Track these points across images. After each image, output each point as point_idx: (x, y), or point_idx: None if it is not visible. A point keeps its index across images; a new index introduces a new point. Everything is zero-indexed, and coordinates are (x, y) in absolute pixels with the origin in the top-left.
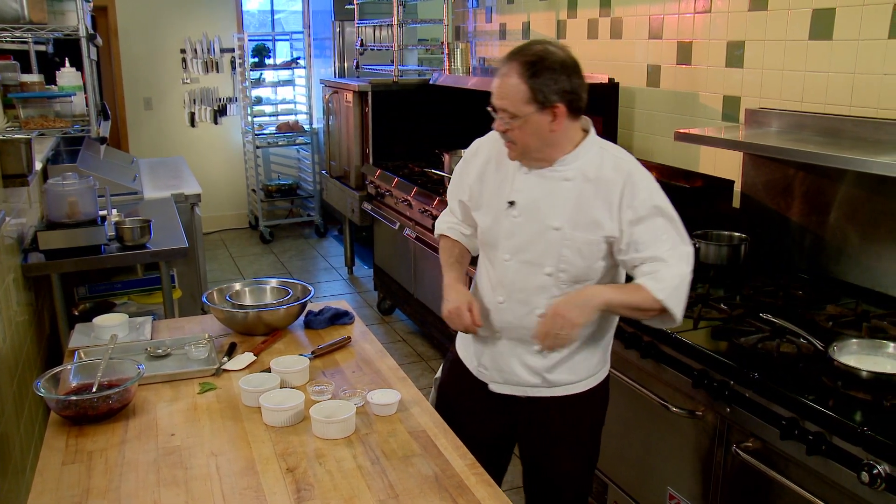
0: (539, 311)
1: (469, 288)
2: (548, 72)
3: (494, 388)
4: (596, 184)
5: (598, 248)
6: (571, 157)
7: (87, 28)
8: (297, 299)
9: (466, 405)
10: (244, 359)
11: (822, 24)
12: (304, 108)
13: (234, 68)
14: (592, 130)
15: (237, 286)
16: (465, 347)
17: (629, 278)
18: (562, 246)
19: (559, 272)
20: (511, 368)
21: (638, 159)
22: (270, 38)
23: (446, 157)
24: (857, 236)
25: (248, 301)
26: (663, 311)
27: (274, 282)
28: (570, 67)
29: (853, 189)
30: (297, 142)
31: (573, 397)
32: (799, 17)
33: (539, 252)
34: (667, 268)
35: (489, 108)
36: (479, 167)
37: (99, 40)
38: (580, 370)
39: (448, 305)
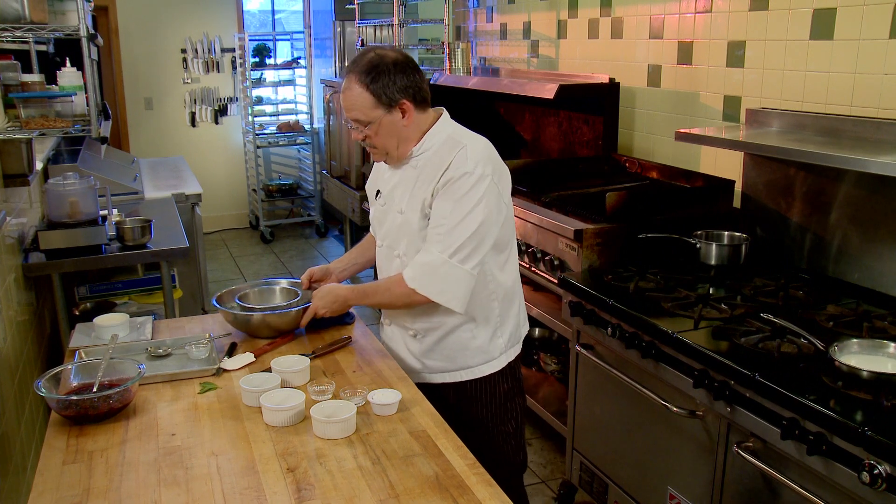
0: None
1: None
2: (384, 75)
3: None
4: (434, 167)
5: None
6: (418, 147)
7: (87, 28)
8: (307, 301)
9: None
10: (243, 358)
11: (822, 24)
12: (304, 108)
13: (234, 68)
14: (444, 116)
15: (246, 287)
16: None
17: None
18: (404, 226)
19: (404, 255)
20: (399, 353)
21: (638, 159)
22: (271, 37)
23: None
24: (857, 236)
25: (256, 303)
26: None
27: (284, 283)
28: (403, 64)
29: (854, 189)
30: (298, 141)
31: (453, 387)
32: (800, 16)
33: (393, 236)
34: (422, 254)
35: (346, 121)
36: (373, 171)
37: (100, 40)
38: (456, 359)
39: None
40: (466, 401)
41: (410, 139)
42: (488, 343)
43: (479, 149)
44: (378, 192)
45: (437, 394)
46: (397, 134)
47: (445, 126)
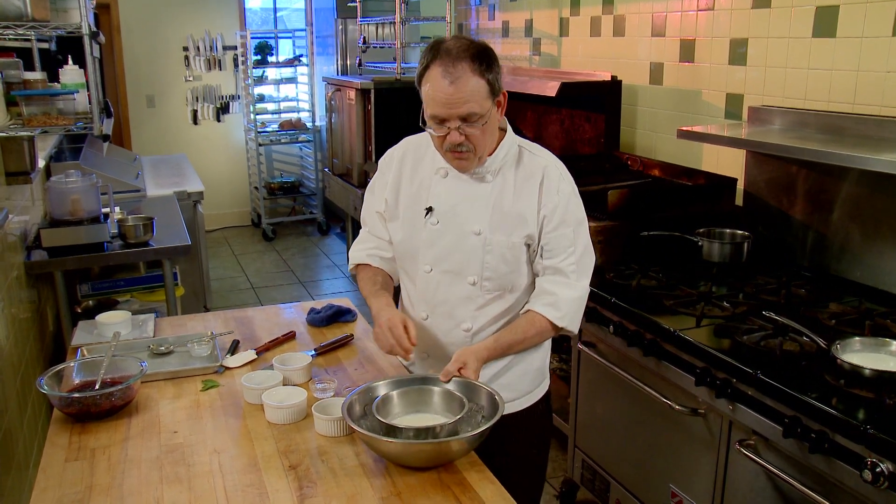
0: (465, 325)
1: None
2: (495, 62)
3: None
4: (517, 183)
5: (520, 252)
6: (492, 158)
7: (89, 25)
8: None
9: None
10: (245, 356)
11: (825, 22)
12: (306, 106)
13: (236, 66)
14: (509, 127)
15: (381, 387)
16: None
17: None
18: (484, 252)
19: (483, 280)
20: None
21: (641, 157)
22: (273, 35)
23: None
24: (859, 234)
25: (399, 411)
26: (560, 330)
27: (450, 384)
28: (496, 54)
29: (856, 187)
30: (300, 139)
31: (514, 416)
32: (802, 14)
33: (460, 260)
34: (566, 288)
35: (428, 126)
36: (395, 177)
37: (102, 38)
38: (519, 387)
39: (381, 321)
40: (519, 433)
41: (494, 141)
42: (542, 364)
43: (559, 163)
44: (430, 208)
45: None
46: (493, 132)
47: (514, 137)
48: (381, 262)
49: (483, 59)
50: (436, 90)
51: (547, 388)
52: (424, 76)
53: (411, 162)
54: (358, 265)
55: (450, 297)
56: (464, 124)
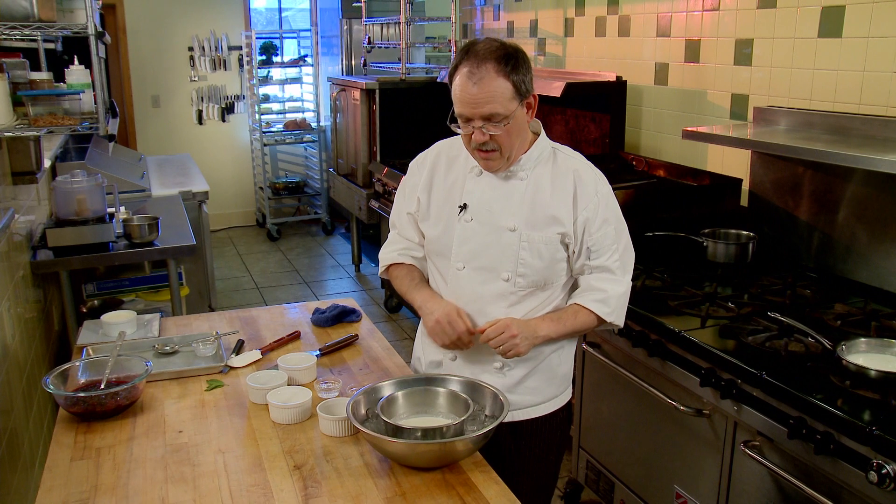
0: None
1: None
2: (522, 63)
3: None
4: (552, 182)
5: (556, 248)
6: (527, 157)
7: (95, 26)
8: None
9: None
10: (250, 356)
11: (831, 22)
12: (311, 106)
13: (241, 66)
14: (542, 130)
15: (386, 388)
16: (417, 372)
17: None
18: (519, 248)
19: (517, 277)
20: None
21: (645, 157)
22: (278, 35)
23: None
24: (865, 235)
25: (404, 412)
26: (605, 324)
27: (455, 385)
28: (525, 55)
29: (862, 187)
30: (305, 139)
31: (535, 422)
32: (808, 14)
33: (494, 256)
34: (614, 284)
35: (455, 124)
36: (427, 177)
37: (107, 38)
38: (544, 391)
39: (434, 315)
40: (536, 437)
41: (525, 142)
42: (568, 370)
43: (593, 166)
44: (464, 205)
45: (502, 434)
46: (521, 133)
47: (547, 139)
48: (413, 262)
49: (509, 60)
50: (461, 89)
51: (570, 396)
52: (454, 75)
53: (445, 161)
54: (390, 266)
55: (482, 294)
56: (487, 124)
